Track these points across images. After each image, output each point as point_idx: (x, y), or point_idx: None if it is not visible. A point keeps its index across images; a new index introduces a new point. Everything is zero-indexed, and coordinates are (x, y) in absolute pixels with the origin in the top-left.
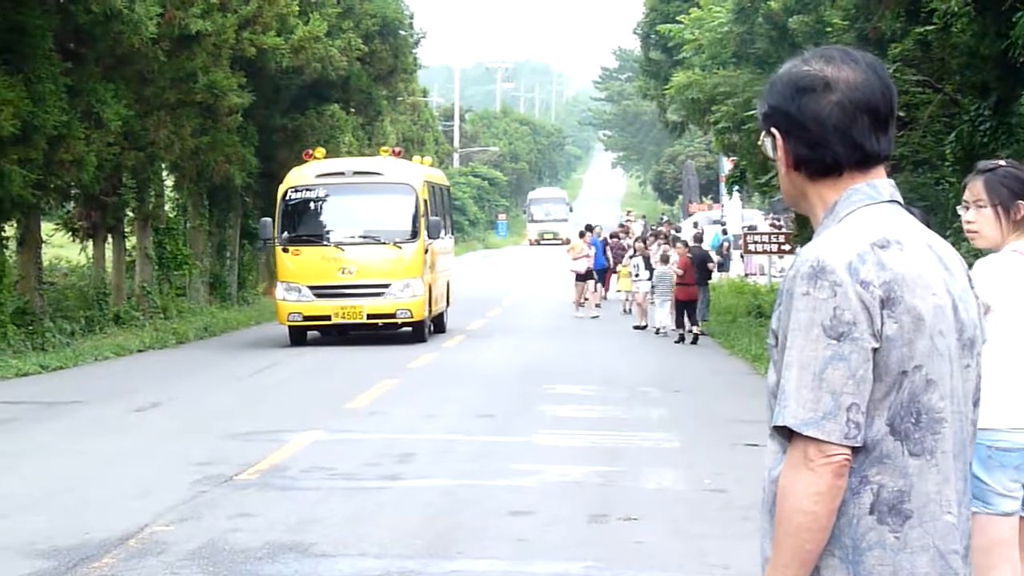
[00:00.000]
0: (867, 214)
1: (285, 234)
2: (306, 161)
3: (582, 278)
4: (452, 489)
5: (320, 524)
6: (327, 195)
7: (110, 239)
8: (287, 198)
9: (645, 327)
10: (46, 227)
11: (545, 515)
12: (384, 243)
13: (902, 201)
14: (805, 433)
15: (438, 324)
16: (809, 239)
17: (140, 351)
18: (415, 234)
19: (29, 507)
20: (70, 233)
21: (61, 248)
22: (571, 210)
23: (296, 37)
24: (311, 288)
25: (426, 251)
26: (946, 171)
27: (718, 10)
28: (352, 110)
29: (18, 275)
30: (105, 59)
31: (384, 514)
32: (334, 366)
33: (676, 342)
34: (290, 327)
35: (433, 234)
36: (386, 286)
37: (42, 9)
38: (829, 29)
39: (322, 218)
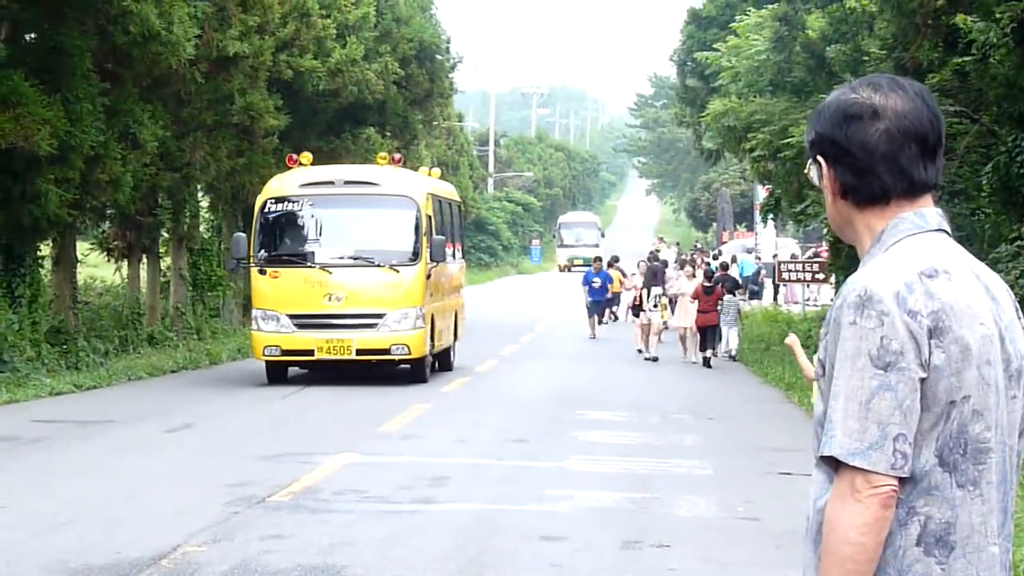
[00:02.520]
0: (914, 243)
1: (263, 253)
2: (289, 167)
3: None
4: (485, 513)
5: (352, 547)
6: (313, 208)
7: (145, 259)
8: (266, 210)
9: (650, 355)
10: (81, 247)
11: (577, 541)
12: (379, 266)
13: (949, 230)
14: (851, 463)
15: (443, 361)
16: (844, 268)
17: (173, 371)
18: (416, 256)
19: (62, 525)
20: (105, 253)
21: (96, 268)
22: (603, 235)
23: (333, 60)
24: (291, 317)
25: (428, 276)
26: (982, 202)
27: (755, 38)
28: (388, 134)
29: (53, 294)
30: (142, 80)
31: (416, 537)
32: (366, 389)
33: (703, 366)
34: (267, 363)
35: (437, 256)
36: (380, 316)
37: (80, 30)
38: (866, 58)
39: (306, 235)
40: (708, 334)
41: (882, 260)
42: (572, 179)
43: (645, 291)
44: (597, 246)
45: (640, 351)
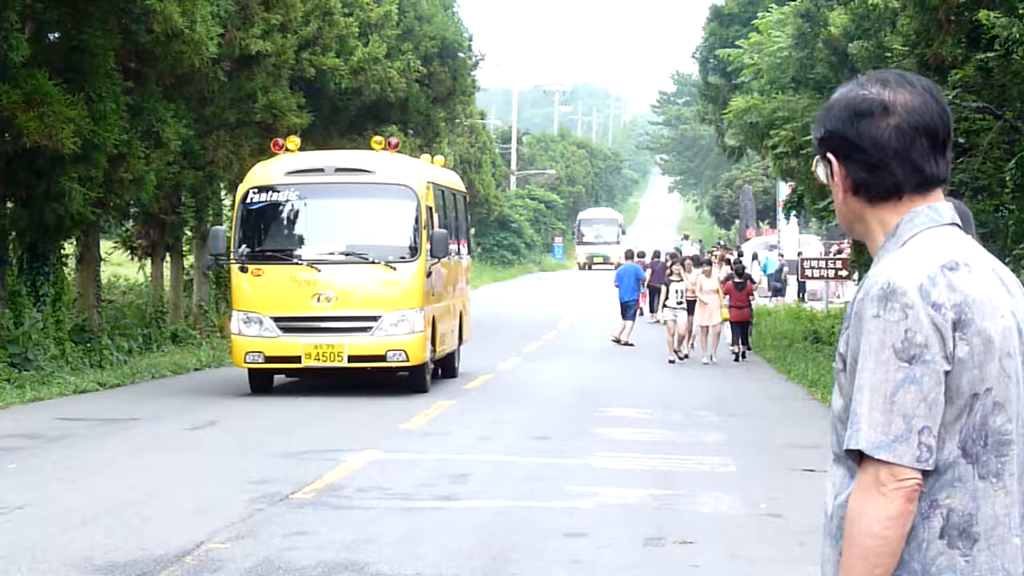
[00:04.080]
0: (931, 237)
1: (244, 248)
2: (275, 153)
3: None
4: (507, 510)
5: (375, 544)
6: (300, 198)
7: (168, 258)
8: (248, 201)
9: (685, 357)
10: (105, 245)
11: (601, 537)
12: (373, 262)
13: (961, 223)
14: (877, 456)
15: (447, 367)
16: (867, 265)
17: (197, 369)
18: (415, 251)
19: (87, 522)
20: (129, 251)
21: (119, 266)
22: (623, 232)
23: (355, 58)
24: (276, 320)
25: (429, 274)
26: (1006, 198)
27: (778, 35)
28: (410, 132)
29: (77, 292)
30: (166, 79)
31: (439, 534)
32: (388, 387)
33: (734, 360)
34: (249, 370)
35: (439, 251)
36: (375, 319)
37: (104, 29)
38: (889, 54)
39: (293, 228)
40: (741, 329)
41: (902, 254)
42: (595, 176)
43: (664, 287)
44: (618, 243)
45: (672, 361)
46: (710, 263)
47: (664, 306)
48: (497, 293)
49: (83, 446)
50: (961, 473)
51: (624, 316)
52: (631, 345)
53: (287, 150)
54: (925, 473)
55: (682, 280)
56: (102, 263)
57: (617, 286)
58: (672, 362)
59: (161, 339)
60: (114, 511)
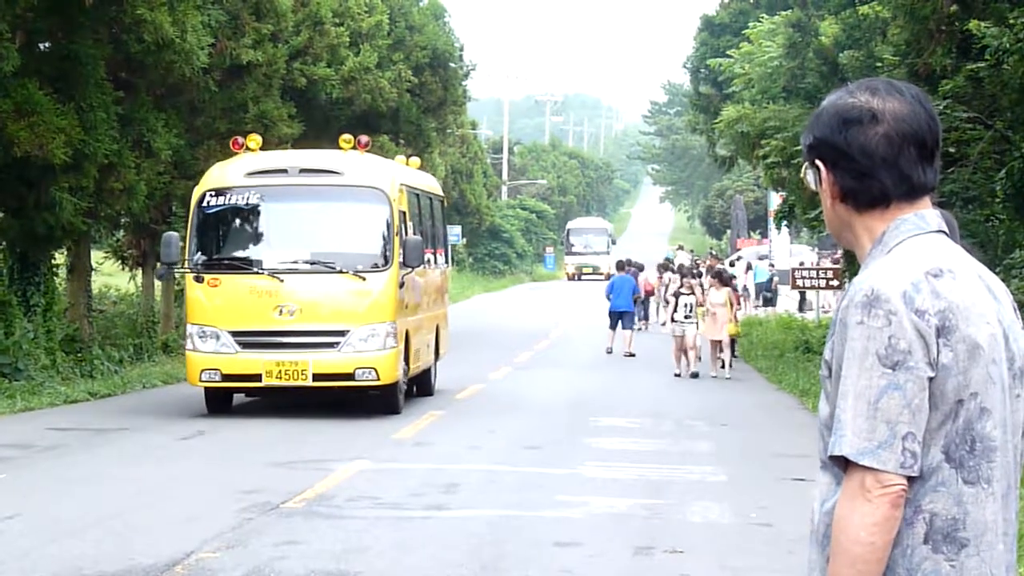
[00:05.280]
0: (917, 244)
1: (200, 256)
2: (235, 152)
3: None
4: (498, 520)
5: (365, 553)
6: (261, 202)
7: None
8: (204, 205)
9: (694, 375)
10: (96, 255)
11: (591, 547)
12: (341, 272)
13: (948, 231)
14: (861, 463)
15: (422, 385)
16: (857, 274)
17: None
18: (386, 260)
19: (77, 532)
20: (120, 261)
21: (110, 276)
22: (614, 242)
23: (346, 68)
24: (234, 335)
25: (402, 284)
26: (996, 208)
27: (769, 45)
28: (402, 142)
29: (68, 303)
30: (156, 88)
31: (430, 544)
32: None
33: (720, 366)
34: (205, 389)
35: (412, 260)
36: (342, 334)
37: (95, 38)
38: (880, 64)
39: (253, 235)
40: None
41: (887, 261)
42: (586, 186)
43: (673, 299)
44: (608, 253)
45: (678, 374)
46: (719, 276)
47: (672, 319)
48: (488, 303)
49: (73, 456)
50: (944, 478)
51: (622, 326)
52: (632, 355)
53: (248, 149)
54: (911, 479)
55: (692, 293)
56: (93, 273)
57: (609, 296)
58: (678, 375)
59: (152, 349)
60: (104, 521)
